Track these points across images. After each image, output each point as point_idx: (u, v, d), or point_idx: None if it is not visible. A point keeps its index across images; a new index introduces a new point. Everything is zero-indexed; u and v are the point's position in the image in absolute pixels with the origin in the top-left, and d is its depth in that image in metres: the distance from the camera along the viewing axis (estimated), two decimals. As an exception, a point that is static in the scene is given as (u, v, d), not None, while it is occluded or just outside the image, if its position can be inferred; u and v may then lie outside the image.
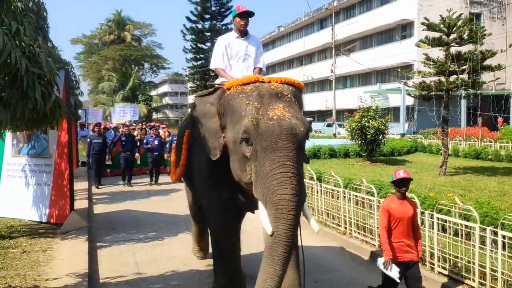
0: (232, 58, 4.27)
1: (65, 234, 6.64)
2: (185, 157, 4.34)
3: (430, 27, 13.27)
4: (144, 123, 27.63)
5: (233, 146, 3.33)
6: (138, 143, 12.99)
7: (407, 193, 4.19)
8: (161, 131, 14.61)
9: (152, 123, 20.95)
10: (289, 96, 3.34)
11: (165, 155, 12.73)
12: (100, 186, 11.81)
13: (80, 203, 8.58)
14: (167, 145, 12.88)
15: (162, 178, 12.59)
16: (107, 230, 7.30)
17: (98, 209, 9.10)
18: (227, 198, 3.80)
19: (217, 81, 4.23)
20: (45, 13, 5.84)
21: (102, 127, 13.76)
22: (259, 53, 4.38)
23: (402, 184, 4.03)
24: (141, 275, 5.16)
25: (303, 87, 3.64)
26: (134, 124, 20.22)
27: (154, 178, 12.47)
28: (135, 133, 14.56)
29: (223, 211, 3.90)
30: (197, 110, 3.79)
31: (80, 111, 16.38)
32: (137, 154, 12.87)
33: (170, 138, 13.12)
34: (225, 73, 4.15)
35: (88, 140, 12.21)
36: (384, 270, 3.92)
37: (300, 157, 3.14)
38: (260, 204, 3.10)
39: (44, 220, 7.18)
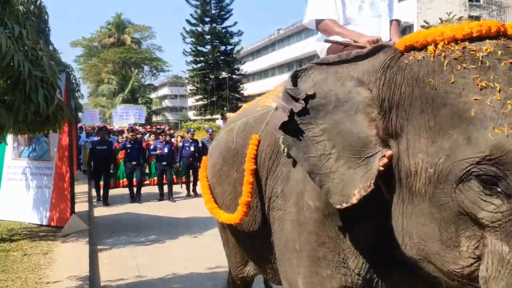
0: (350, 5, 2.40)
1: (66, 237, 6.63)
2: (251, 190, 2.33)
3: (430, 30, 13.33)
4: (144, 126, 26.00)
5: (430, 186, 1.43)
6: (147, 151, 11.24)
7: None
8: (173, 139, 12.47)
9: (156, 126, 19.68)
10: None
11: (177, 165, 11.02)
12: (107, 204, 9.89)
13: (81, 206, 8.56)
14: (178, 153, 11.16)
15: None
16: (107, 233, 7.30)
17: (99, 211, 9.11)
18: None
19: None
20: (46, 16, 5.89)
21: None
22: None
23: None
24: (141, 278, 5.16)
25: None
26: (139, 128, 18.02)
27: (166, 193, 10.55)
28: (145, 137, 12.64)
29: None
30: (321, 91, 1.64)
31: (80, 114, 15.97)
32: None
33: (182, 143, 11.32)
34: (342, 28, 2.28)
35: (91, 146, 10.74)
36: None
37: None
38: None
39: (44, 223, 7.17)
